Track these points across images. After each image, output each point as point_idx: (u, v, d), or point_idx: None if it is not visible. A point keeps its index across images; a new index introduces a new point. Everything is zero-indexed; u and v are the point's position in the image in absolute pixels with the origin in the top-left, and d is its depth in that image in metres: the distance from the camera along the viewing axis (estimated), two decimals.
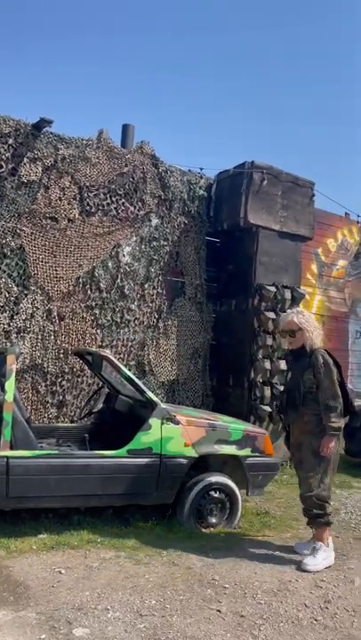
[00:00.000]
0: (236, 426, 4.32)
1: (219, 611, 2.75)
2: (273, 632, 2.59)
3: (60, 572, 3.10)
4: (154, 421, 3.91)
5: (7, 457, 3.49)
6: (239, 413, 5.91)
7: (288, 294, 6.44)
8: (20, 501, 3.59)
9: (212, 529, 4.01)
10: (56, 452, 3.88)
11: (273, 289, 6.32)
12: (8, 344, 5.31)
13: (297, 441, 3.56)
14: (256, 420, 6.17)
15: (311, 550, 3.48)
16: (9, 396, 3.59)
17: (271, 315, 6.28)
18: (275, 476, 4.58)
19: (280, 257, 6.56)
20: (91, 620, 2.60)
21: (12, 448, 3.56)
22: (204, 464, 4.10)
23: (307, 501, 3.49)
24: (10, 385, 3.61)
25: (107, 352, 4.28)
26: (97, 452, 3.82)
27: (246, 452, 4.20)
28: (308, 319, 3.56)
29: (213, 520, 4.05)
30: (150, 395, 4.02)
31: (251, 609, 2.80)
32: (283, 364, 6.41)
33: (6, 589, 2.86)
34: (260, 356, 6.28)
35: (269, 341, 6.29)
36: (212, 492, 4.04)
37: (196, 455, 3.98)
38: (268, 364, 6.28)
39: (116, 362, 4.11)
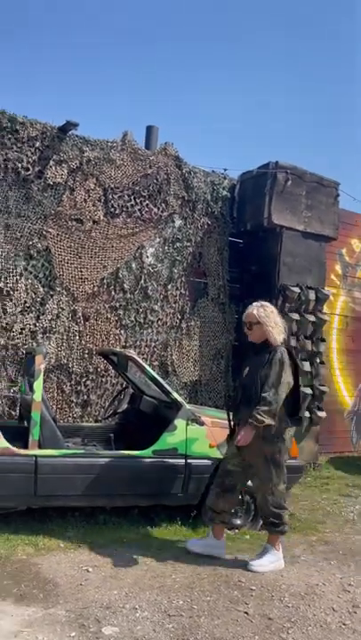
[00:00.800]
0: None
1: (246, 613, 2.75)
2: (301, 635, 2.58)
3: (88, 571, 3.14)
4: (179, 422, 3.92)
5: (36, 456, 3.55)
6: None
7: (312, 295, 6.39)
8: (47, 500, 3.65)
9: (236, 530, 4.00)
10: (83, 451, 3.92)
11: (297, 290, 6.28)
12: (34, 344, 5.40)
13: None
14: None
15: (262, 551, 3.41)
16: (37, 396, 3.65)
17: (295, 316, 6.25)
18: (300, 478, 4.55)
19: (304, 257, 6.51)
20: (119, 618, 2.62)
21: (40, 447, 3.62)
22: None
23: (263, 509, 3.42)
24: (38, 385, 3.67)
25: (132, 352, 4.32)
26: (123, 451, 3.85)
27: None
28: (270, 314, 3.43)
29: (238, 522, 4.05)
30: (176, 395, 4.04)
31: (278, 612, 2.79)
32: (307, 366, 6.40)
33: (35, 586, 2.91)
34: None
35: (293, 343, 6.24)
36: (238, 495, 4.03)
37: (221, 456, 3.97)
38: None
39: (142, 362, 4.14)
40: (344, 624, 2.72)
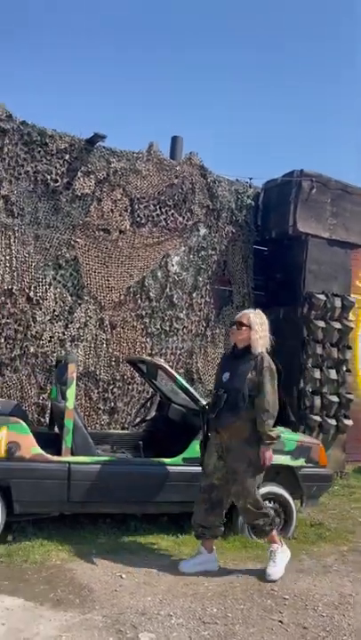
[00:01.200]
0: (291, 436, 4.30)
1: (281, 622, 2.75)
2: None
3: (122, 577, 3.18)
4: None
5: (69, 462, 3.62)
6: (289, 423, 5.88)
7: (338, 302, 6.37)
8: (80, 506, 3.71)
9: (266, 539, 4.00)
10: (114, 458, 3.98)
11: (323, 297, 6.27)
12: (64, 352, 5.49)
13: (228, 444, 3.36)
14: (306, 430, 6.11)
15: (270, 556, 3.37)
16: (70, 404, 3.72)
17: (321, 323, 6.23)
18: (329, 487, 4.53)
19: (329, 265, 6.50)
20: (155, 625, 2.65)
21: (72, 454, 3.69)
22: None
23: (248, 514, 3.39)
24: (71, 393, 3.74)
25: (162, 361, 4.37)
26: (153, 459, 3.89)
27: (300, 462, 4.18)
28: (262, 323, 3.43)
29: None
30: (204, 403, 4.06)
31: (313, 621, 2.79)
32: (333, 373, 6.36)
33: (71, 592, 2.96)
34: (310, 365, 6.23)
35: (319, 350, 6.24)
36: (267, 502, 4.03)
37: None
38: (317, 374, 6.23)
39: (172, 371, 4.18)
40: None
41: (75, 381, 3.77)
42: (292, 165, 6.54)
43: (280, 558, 3.36)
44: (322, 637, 2.64)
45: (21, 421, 3.63)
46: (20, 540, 3.57)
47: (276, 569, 3.32)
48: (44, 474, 3.56)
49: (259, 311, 3.56)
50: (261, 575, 3.30)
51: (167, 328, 6.25)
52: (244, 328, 3.42)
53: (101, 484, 3.68)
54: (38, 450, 3.57)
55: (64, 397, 3.88)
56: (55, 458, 3.62)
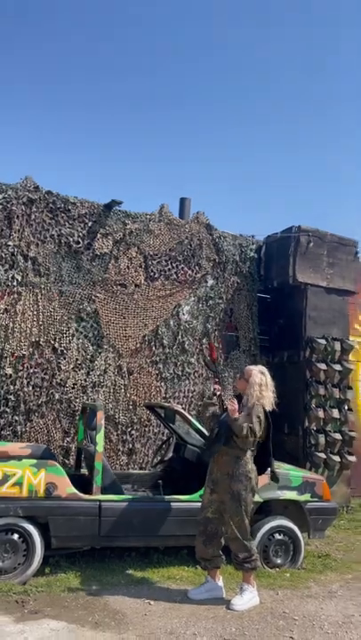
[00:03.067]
0: (296, 473, 4.74)
1: (292, 638, 3.15)
2: None
3: (150, 604, 3.59)
4: None
5: (99, 500, 4.07)
6: (295, 460, 6.30)
7: (338, 346, 6.87)
8: (109, 540, 4.13)
9: (277, 569, 4.39)
10: (139, 496, 4.42)
11: (323, 342, 6.78)
12: (86, 398, 5.99)
13: (216, 477, 3.77)
14: (312, 467, 6.51)
15: (240, 590, 3.69)
16: (99, 447, 4.20)
17: (322, 366, 6.72)
18: (334, 520, 4.93)
19: (328, 311, 7.04)
20: None
21: (102, 493, 4.14)
22: (267, 508, 4.52)
23: (234, 544, 3.69)
24: (100, 437, 4.22)
25: (178, 407, 4.86)
26: (173, 496, 4.33)
27: (306, 497, 4.61)
28: (261, 384, 3.77)
29: (279, 561, 4.43)
30: None
31: (320, 637, 3.18)
32: (335, 413, 6.81)
33: (107, 616, 3.37)
34: (313, 405, 6.69)
35: (322, 391, 6.70)
36: (277, 535, 4.44)
37: (261, 500, 4.41)
38: (321, 413, 6.67)
39: (187, 415, 4.67)
40: None
41: (103, 427, 4.26)
42: (290, 218, 7.14)
43: (248, 597, 3.64)
44: None
45: (57, 464, 4.11)
46: (57, 572, 3.99)
47: (242, 601, 3.61)
48: (78, 511, 4.00)
49: (264, 370, 3.95)
50: (275, 601, 3.69)
51: (180, 372, 6.75)
52: (244, 381, 3.89)
53: (128, 519, 4.11)
54: (73, 489, 4.04)
55: (93, 442, 4.37)
56: (87, 497, 4.07)
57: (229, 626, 3.29)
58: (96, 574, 4.02)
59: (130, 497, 4.26)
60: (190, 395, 6.81)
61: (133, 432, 6.37)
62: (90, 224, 6.38)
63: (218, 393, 3.89)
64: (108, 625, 3.25)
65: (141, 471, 5.85)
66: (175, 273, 6.86)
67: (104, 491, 4.16)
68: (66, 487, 4.03)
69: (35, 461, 4.07)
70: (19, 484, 3.91)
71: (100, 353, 6.29)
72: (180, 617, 3.39)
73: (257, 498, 4.36)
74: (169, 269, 6.82)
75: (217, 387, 3.95)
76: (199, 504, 4.20)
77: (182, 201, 7.37)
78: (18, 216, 5.99)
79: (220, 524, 3.80)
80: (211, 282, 7.14)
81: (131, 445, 6.35)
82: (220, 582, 3.84)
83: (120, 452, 6.30)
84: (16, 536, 3.86)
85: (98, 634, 3.12)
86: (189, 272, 6.96)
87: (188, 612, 3.46)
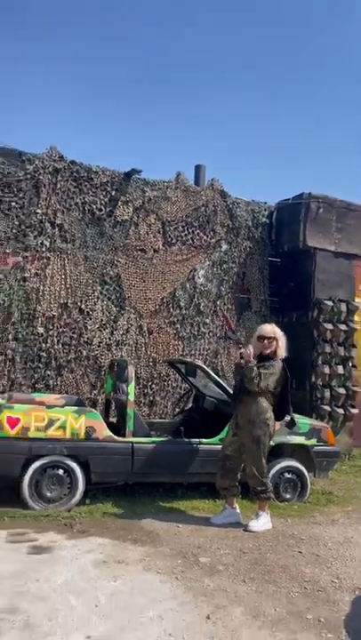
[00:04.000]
0: (304, 421, 5.29)
1: (300, 552, 3.75)
2: (342, 565, 3.57)
3: (178, 527, 4.20)
4: None
5: (132, 442, 4.64)
6: (302, 412, 6.86)
7: (343, 307, 7.32)
8: (141, 476, 4.73)
9: (286, 502, 4.99)
10: (165, 439, 4.98)
11: (330, 303, 7.23)
12: (110, 356, 6.52)
13: (239, 422, 4.33)
14: (317, 418, 7.08)
15: (255, 516, 4.27)
16: (131, 397, 4.74)
17: (329, 326, 7.19)
18: (337, 462, 5.52)
19: (335, 274, 7.45)
20: (209, 553, 3.67)
21: (133, 436, 4.71)
22: (279, 451, 5.09)
23: (252, 480, 4.28)
24: (131, 388, 4.76)
25: (199, 362, 5.37)
26: (196, 439, 4.90)
27: (313, 441, 5.17)
28: (282, 333, 4.38)
29: (288, 496, 5.04)
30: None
31: (324, 552, 3.78)
32: (340, 369, 7.33)
33: (143, 535, 3.98)
34: (320, 362, 7.20)
35: (328, 349, 7.19)
36: (286, 474, 5.03)
37: (273, 444, 4.97)
38: (327, 369, 7.19)
39: (207, 369, 5.19)
40: None
41: (134, 379, 4.79)
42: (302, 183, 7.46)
43: (262, 522, 4.24)
44: (330, 561, 3.63)
45: (95, 410, 4.66)
46: (96, 502, 4.61)
47: (258, 524, 4.21)
48: (113, 451, 4.58)
49: (273, 324, 4.57)
50: (285, 526, 4.30)
51: (195, 332, 7.26)
52: (272, 340, 4.36)
53: (156, 459, 4.69)
54: (109, 432, 4.60)
55: (123, 392, 4.91)
56: (121, 439, 4.64)
57: (247, 543, 3.90)
58: (129, 505, 4.63)
59: (158, 440, 4.83)
60: (205, 353, 7.33)
61: (154, 386, 6.94)
62: (111, 192, 6.75)
63: (244, 356, 4.34)
64: (145, 541, 3.85)
65: (162, 420, 6.44)
66: (191, 238, 7.26)
67: (135, 434, 4.73)
68: (103, 430, 4.59)
69: (75, 408, 4.63)
70: (62, 427, 4.48)
71: (122, 314, 6.77)
72: (205, 536, 3.99)
73: (271, 442, 4.93)
74: (185, 235, 7.21)
75: (242, 351, 4.41)
76: (218, 447, 4.78)
77: (197, 168, 7.68)
78: (45, 185, 6.36)
79: (238, 461, 4.38)
80: (225, 247, 7.54)
81: (151, 398, 6.93)
82: (237, 509, 4.45)
83: (142, 404, 6.88)
84: (61, 471, 4.46)
85: (137, 547, 3.72)
86: (204, 237, 7.35)
87: (211, 533, 4.07)
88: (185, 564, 3.45)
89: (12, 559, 3.40)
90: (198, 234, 7.31)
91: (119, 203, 6.80)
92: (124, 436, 4.68)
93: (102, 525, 4.13)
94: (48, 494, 4.41)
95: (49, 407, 4.60)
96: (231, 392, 5.01)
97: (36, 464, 4.38)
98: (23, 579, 3.11)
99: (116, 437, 4.62)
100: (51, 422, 4.46)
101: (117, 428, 4.85)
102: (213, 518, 4.41)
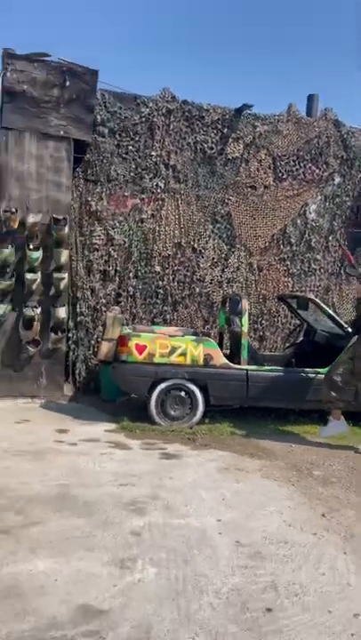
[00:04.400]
0: None
1: None
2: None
3: (291, 446, 4.53)
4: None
5: (247, 370, 4.98)
6: None
7: None
8: (255, 401, 5.09)
9: None
10: (279, 367, 5.26)
11: None
12: (222, 292, 6.82)
13: (355, 352, 4.64)
14: None
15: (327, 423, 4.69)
16: (245, 328, 5.04)
17: None
18: None
19: None
20: (321, 468, 3.96)
21: (248, 364, 5.04)
22: None
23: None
24: (245, 320, 5.04)
25: (311, 295, 5.48)
26: (308, 369, 5.11)
27: None
28: None
29: None
30: (348, 328, 5.15)
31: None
32: None
33: (259, 451, 4.37)
34: None
35: None
36: None
37: None
38: None
39: (320, 302, 5.29)
40: None
41: (247, 312, 5.06)
42: None
43: (332, 425, 4.72)
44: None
45: (212, 339, 5.04)
46: (214, 422, 5.07)
47: (328, 430, 4.71)
48: (229, 377, 4.97)
49: None
50: None
51: (306, 269, 7.27)
52: None
53: (270, 386, 5.00)
54: (225, 360, 4.98)
55: (237, 324, 5.22)
56: (237, 366, 5.00)
57: (359, 461, 4.13)
58: (245, 426, 5.04)
59: (271, 368, 5.12)
60: (316, 289, 7.35)
61: (263, 322, 7.17)
62: (222, 129, 6.80)
63: None
64: (261, 456, 4.24)
65: (273, 353, 6.70)
66: (303, 172, 7.14)
67: (249, 363, 5.05)
68: (220, 358, 4.97)
69: (194, 337, 5.04)
70: (183, 354, 4.92)
71: (233, 252, 6.98)
72: (318, 454, 4.29)
73: None
74: (297, 169, 7.11)
75: None
76: None
77: (310, 98, 7.41)
78: (159, 127, 6.59)
79: (346, 379, 4.65)
80: (338, 180, 7.32)
81: (261, 333, 7.18)
82: (342, 420, 4.74)
83: (252, 339, 7.15)
84: (183, 393, 4.95)
85: (255, 460, 4.12)
86: (316, 171, 7.19)
87: (323, 452, 4.35)
88: (300, 475, 3.79)
89: (148, 462, 3.96)
90: (310, 167, 7.16)
91: (230, 140, 6.85)
92: (238, 364, 5.03)
93: (221, 441, 4.58)
94: (172, 412, 4.95)
95: (171, 336, 5.05)
96: (346, 325, 5.10)
97: (162, 386, 4.91)
98: (159, 476, 3.64)
99: (231, 365, 4.98)
100: (173, 349, 4.92)
101: (232, 359, 5.20)
102: (322, 431, 4.78)
